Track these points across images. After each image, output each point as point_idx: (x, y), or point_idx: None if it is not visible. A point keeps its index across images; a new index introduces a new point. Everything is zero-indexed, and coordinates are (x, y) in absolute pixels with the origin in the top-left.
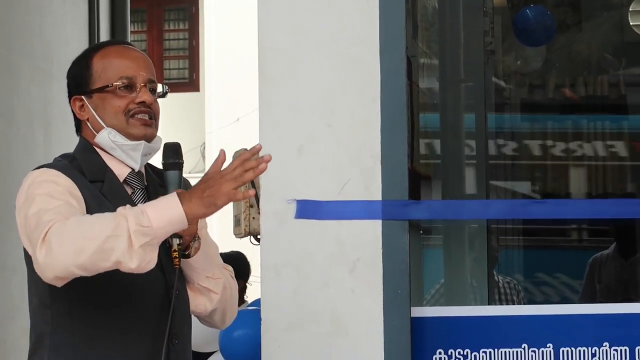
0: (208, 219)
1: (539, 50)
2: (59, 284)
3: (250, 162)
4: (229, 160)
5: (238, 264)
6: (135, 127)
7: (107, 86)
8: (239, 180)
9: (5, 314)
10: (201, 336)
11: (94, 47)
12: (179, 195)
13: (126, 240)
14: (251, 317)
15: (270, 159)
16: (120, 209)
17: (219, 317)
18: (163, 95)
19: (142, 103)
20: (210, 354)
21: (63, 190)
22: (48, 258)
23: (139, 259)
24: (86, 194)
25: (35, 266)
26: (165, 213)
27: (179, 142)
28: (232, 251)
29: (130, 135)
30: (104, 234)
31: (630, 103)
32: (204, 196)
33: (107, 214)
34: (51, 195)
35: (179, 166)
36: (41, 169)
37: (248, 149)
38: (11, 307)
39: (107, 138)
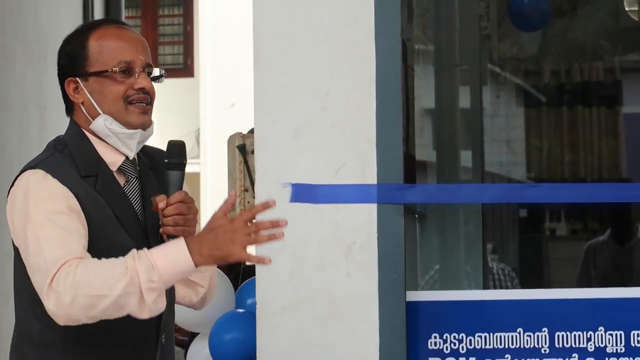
0: (203, 204)
1: (534, 36)
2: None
3: (265, 224)
4: (223, 149)
5: None
6: (133, 114)
7: (106, 71)
8: (252, 242)
9: (0, 299)
10: (193, 319)
11: (89, 26)
12: (188, 244)
13: (138, 297)
14: (241, 320)
15: (285, 224)
16: (129, 259)
17: (200, 302)
18: (159, 78)
19: (141, 89)
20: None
21: (61, 211)
22: (59, 309)
23: (150, 312)
24: (80, 194)
25: (45, 305)
26: (176, 267)
27: (183, 140)
28: None
29: (128, 124)
30: (116, 291)
31: (626, 90)
32: (215, 254)
33: (118, 265)
34: (50, 220)
35: (182, 167)
36: (37, 174)
37: (243, 133)
38: (5, 291)
39: (103, 125)
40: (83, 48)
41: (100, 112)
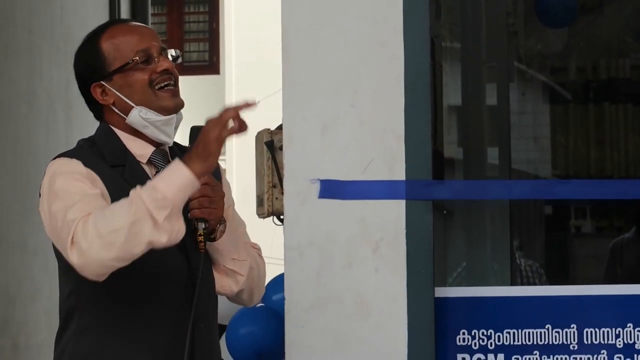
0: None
1: (561, 32)
2: (101, 278)
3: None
4: (248, 146)
5: None
6: (165, 99)
7: (127, 63)
8: (221, 122)
9: (27, 295)
10: (227, 311)
11: (97, 32)
12: (182, 160)
13: (149, 219)
14: (255, 314)
15: (254, 104)
16: (132, 192)
17: (247, 296)
18: (177, 58)
19: (165, 71)
20: None
21: (84, 183)
22: (82, 259)
23: (168, 232)
24: (107, 181)
25: (71, 263)
26: (174, 181)
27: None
28: None
29: (162, 109)
30: (126, 221)
31: None
32: (199, 150)
33: (123, 201)
34: (72, 191)
35: None
36: (62, 159)
37: (272, 129)
38: (32, 289)
39: (138, 116)
40: (97, 52)
41: (133, 104)
